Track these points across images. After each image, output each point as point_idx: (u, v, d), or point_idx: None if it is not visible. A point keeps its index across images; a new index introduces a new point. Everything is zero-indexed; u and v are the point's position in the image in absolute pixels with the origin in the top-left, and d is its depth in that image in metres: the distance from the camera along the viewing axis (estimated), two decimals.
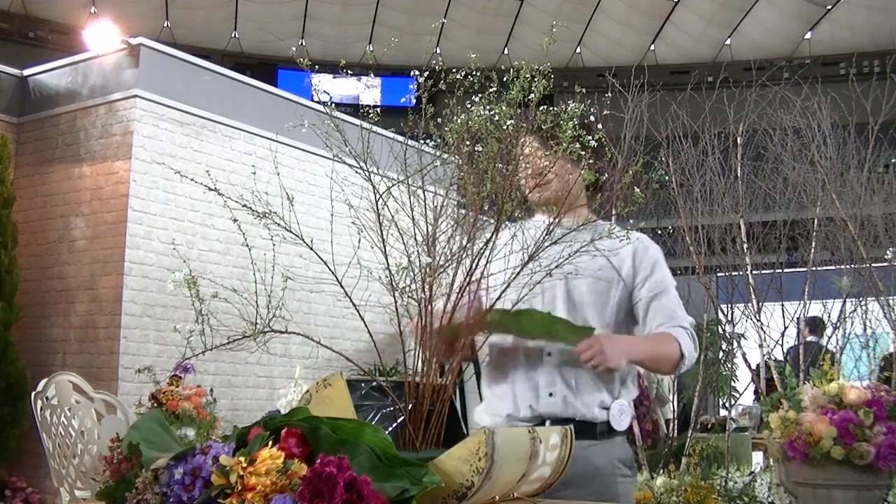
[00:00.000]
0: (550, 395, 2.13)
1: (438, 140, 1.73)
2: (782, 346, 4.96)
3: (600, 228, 1.81)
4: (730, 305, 5.09)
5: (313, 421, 1.24)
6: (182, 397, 4.68)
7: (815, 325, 5.65)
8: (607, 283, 2.20)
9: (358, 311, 1.95)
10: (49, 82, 6.87)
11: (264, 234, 1.58)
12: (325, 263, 2.08)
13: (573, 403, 2.13)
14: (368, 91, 22.14)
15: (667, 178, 5.12)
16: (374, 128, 1.76)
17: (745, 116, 5.29)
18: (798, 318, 5.03)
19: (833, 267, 5.28)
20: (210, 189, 1.64)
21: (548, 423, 2.13)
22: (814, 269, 5.06)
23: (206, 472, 1.14)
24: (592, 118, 1.73)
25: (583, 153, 1.65)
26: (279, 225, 1.62)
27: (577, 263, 1.76)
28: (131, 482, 1.21)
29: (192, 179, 1.87)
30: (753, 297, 4.96)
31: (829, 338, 4.96)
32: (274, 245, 1.62)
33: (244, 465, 1.12)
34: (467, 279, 1.66)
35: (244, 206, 1.59)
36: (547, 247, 1.73)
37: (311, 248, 1.88)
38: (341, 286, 2.08)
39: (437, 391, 1.61)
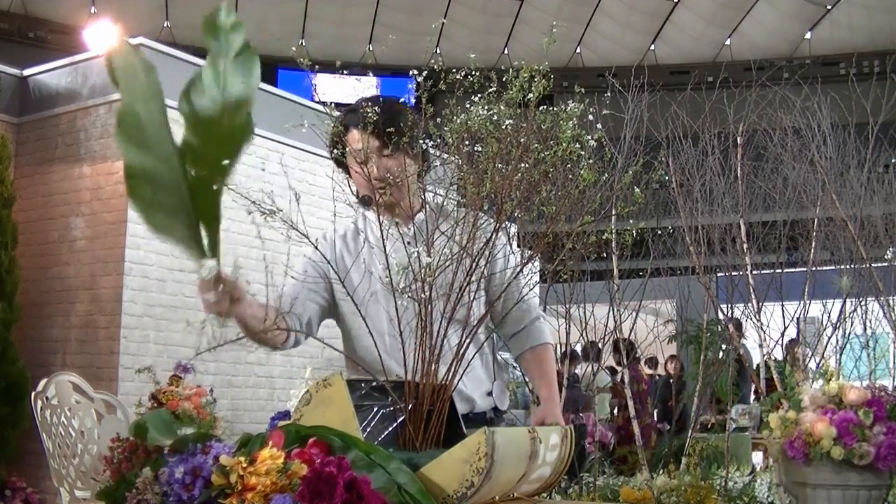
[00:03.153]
0: None
1: (438, 140, 1.73)
2: (782, 346, 4.96)
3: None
4: (730, 305, 5.09)
5: (348, 439, 1.24)
6: (182, 397, 4.68)
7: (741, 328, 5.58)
8: None
9: (359, 310, 1.95)
10: (49, 82, 6.87)
11: (266, 233, 1.58)
12: (328, 262, 2.08)
13: (467, 402, 2.14)
14: (365, 94, 22.13)
15: (667, 178, 5.12)
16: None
17: (745, 116, 5.29)
18: (798, 319, 5.03)
19: (833, 267, 5.28)
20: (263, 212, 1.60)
21: None
22: (814, 269, 5.06)
23: (206, 471, 1.14)
24: (592, 118, 1.73)
25: (583, 153, 1.65)
26: (285, 223, 1.61)
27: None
28: (131, 482, 1.21)
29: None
30: (753, 297, 4.96)
31: (829, 337, 4.95)
32: (288, 238, 1.61)
33: (244, 465, 1.12)
34: (467, 279, 1.66)
35: (254, 202, 1.58)
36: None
37: (316, 247, 1.88)
38: (343, 284, 2.08)
39: (437, 391, 1.61)
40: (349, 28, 24.26)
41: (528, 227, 1.80)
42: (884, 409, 2.70)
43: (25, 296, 6.27)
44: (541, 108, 1.66)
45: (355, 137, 2.04)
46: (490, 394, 2.19)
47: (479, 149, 1.67)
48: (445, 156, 1.75)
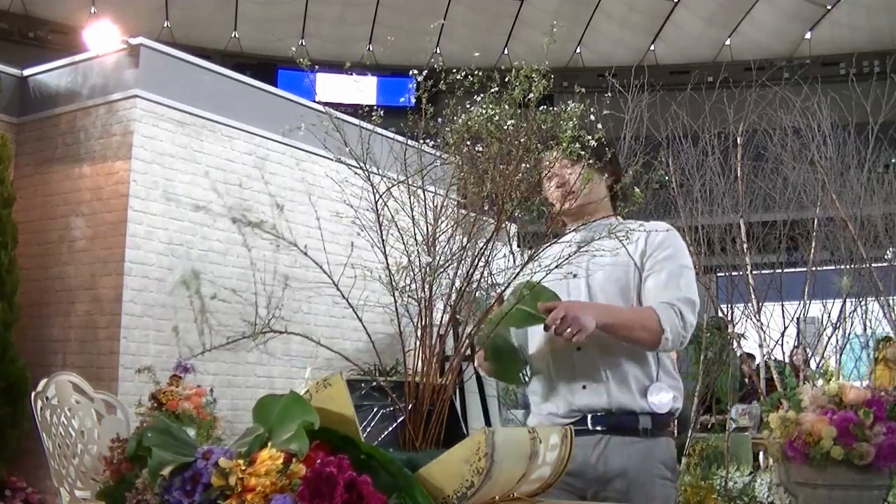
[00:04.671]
0: (584, 387, 2.13)
1: (439, 140, 1.73)
2: (782, 346, 4.97)
3: (610, 223, 1.95)
4: (730, 305, 5.09)
5: (371, 450, 1.23)
6: (182, 397, 4.68)
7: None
8: (624, 269, 2.20)
9: (356, 312, 1.95)
10: (49, 82, 6.87)
11: (264, 234, 1.58)
12: (320, 266, 2.07)
13: (609, 393, 2.12)
14: (364, 93, 22.11)
15: (667, 178, 5.13)
16: (375, 128, 1.76)
17: (745, 116, 5.29)
18: (798, 319, 5.03)
19: (833, 267, 5.29)
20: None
21: (589, 417, 2.13)
22: (814, 269, 5.06)
23: (206, 477, 1.13)
24: (593, 118, 1.73)
25: (583, 153, 1.66)
26: (271, 234, 1.61)
27: (594, 256, 1.85)
28: (131, 482, 1.21)
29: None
30: (753, 297, 4.96)
31: (829, 337, 4.95)
32: (278, 247, 1.61)
33: (243, 466, 1.12)
34: (467, 279, 1.66)
35: (241, 215, 1.59)
36: (576, 253, 1.77)
37: (305, 254, 1.87)
38: (337, 288, 2.07)
39: (437, 391, 1.61)
40: (349, 28, 24.25)
41: (529, 227, 1.80)
42: (884, 409, 2.70)
43: (25, 296, 6.27)
44: (541, 108, 1.66)
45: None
46: (645, 393, 2.14)
47: (480, 149, 1.67)
48: (445, 156, 1.75)
